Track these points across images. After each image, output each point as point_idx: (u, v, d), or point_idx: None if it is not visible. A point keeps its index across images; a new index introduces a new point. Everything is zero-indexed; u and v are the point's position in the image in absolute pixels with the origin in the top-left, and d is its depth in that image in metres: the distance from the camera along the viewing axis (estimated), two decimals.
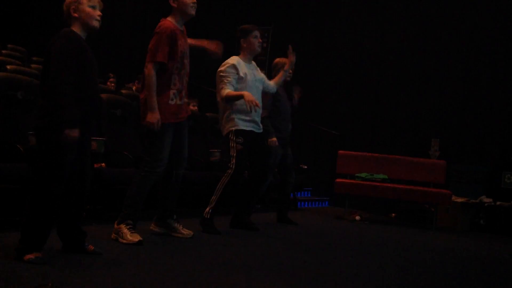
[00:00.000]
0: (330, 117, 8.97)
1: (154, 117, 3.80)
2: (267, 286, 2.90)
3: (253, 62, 4.86)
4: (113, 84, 8.75)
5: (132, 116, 5.66)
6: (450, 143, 8.13)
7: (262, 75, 4.90)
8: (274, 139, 5.21)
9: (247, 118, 4.61)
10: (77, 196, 3.16)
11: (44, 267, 2.79)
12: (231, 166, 4.56)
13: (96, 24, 3.10)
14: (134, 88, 8.17)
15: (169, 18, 3.99)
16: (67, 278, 2.63)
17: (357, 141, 8.70)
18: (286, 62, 5.74)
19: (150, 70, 3.82)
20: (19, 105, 4.44)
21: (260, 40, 4.78)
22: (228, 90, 4.50)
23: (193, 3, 3.99)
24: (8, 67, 5.62)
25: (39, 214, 2.91)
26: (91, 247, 3.23)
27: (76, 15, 3.07)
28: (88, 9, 3.07)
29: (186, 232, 4.16)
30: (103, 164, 4.77)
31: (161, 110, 3.85)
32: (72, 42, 2.98)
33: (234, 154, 4.56)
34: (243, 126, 4.61)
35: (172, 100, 3.91)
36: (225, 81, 4.53)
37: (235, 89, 4.55)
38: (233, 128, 4.60)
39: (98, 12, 3.10)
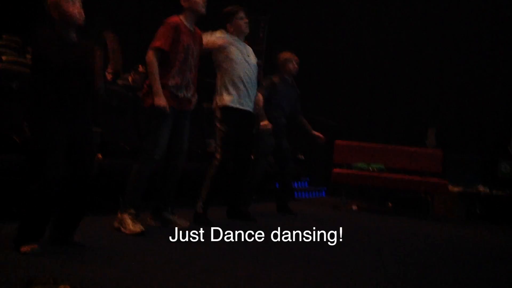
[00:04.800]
0: (327, 107, 8.96)
1: (161, 100, 3.81)
2: (266, 275, 2.91)
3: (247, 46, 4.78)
4: (110, 76, 8.70)
5: (128, 107, 5.64)
6: (446, 132, 8.14)
7: (255, 61, 4.79)
8: (266, 122, 5.11)
9: (237, 91, 4.55)
10: (76, 192, 3.15)
11: (42, 258, 2.79)
12: (217, 157, 4.53)
13: (78, 20, 3.08)
14: (130, 79, 8.12)
15: (180, 16, 4.06)
16: (65, 269, 2.64)
17: (354, 131, 8.70)
18: (290, 58, 5.73)
19: (149, 56, 3.89)
20: (15, 96, 4.43)
21: (247, 20, 4.65)
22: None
23: (203, 2, 4.05)
24: (4, 57, 5.59)
25: (35, 206, 2.91)
26: (77, 238, 3.21)
27: (56, 15, 3.06)
28: (67, 6, 3.04)
29: (182, 223, 4.17)
30: (99, 155, 4.76)
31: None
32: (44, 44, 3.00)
33: (220, 143, 4.54)
34: (231, 101, 4.54)
35: (172, 88, 3.93)
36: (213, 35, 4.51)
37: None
38: (222, 104, 4.54)
39: (78, 7, 3.08)
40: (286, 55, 5.77)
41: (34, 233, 2.92)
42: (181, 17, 4.07)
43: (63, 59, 3.03)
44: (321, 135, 5.95)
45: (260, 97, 4.84)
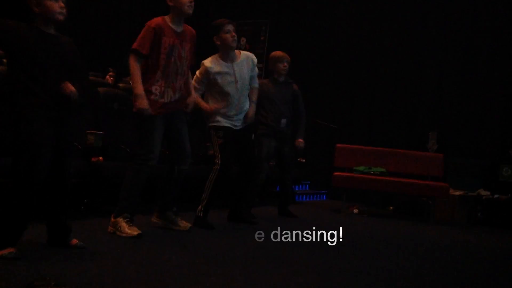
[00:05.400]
0: (328, 111, 8.96)
1: (142, 103, 3.80)
2: (264, 278, 2.91)
3: (242, 55, 4.68)
4: (112, 79, 8.72)
5: (129, 110, 5.64)
6: (447, 136, 8.13)
7: (248, 72, 4.67)
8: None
9: (226, 115, 4.58)
10: (59, 191, 3.12)
11: (43, 261, 2.79)
12: (217, 162, 4.53)
13: (59, 17, 3.05)
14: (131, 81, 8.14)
15: (166, 17, 4.02)
16: (66, 272, 2.63)
17: (355, 134, 8.69)
18: (280, 57, 5.65)
19: (130, 60, 3.88)
20: None
21: (234, 34, 4.50)
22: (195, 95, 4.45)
23: (190, 2, 3.99)
24: (5, 60, 5.60)
25: (12, 210, 2.86)
26: (74, 241, 3.19)
27: (37, 10, 3.02)
28: (49, 3, 3.01)
29: (183, 225, 4.20)
30: (100, 158, 4.77)
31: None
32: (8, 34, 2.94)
33: (218, 149, 4.54)
34: (221, 122, 4.58)
35: (155, 95, 3.92)
36: (195, 86, 4.47)
37: (202, 93, 4.62)
38: (212, 124, 4.59)
39: (61, 4, 3.04)
40: (276, 54, 5.65)
41: (10, 236, 2.87)
42: (166, 17, 4.02)
43: (42, 49, 2.99)
44: (300, 144, 5.80)
45: (251, 111, 4.74)
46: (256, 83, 4.83)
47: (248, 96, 4.75)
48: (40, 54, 2.98)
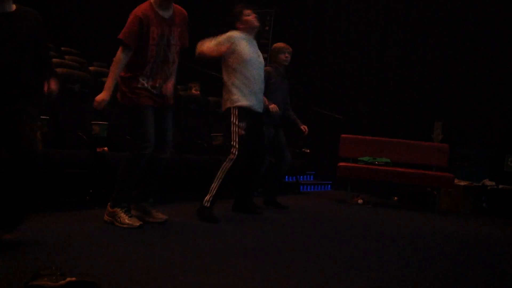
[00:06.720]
0: (333, 101, 8.94)
1: (100, 96, 3.69)
2: (269, 269, 2.92)
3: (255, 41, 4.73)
4: None
5: None
6: (453, 126, 8.11)
7: (262, 60, 4.75)
8: (272, 104, 5.18)
9: (249, 90, 4.50)
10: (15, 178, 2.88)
11: (49, 251, 2.80)
12: (233, 152, 4.39)
13: None
14: None
15: (152, 2, 3.83)
16: (71, 262, 2.65)
17: (360, 124, 8.68)
18: (282, 48, 5.62)
19: (119, 49, 3.75)
20: None
21: (255, 15, 4.62)
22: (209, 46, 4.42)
23: None
24: None
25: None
26: (8, 236, 2.93)
27: None
28: None
29: (159, 216, 4.00)
30: (105, 148, 4.78)
31: (135, 93, 3.79)
32: None
33: (236, 140, 4.41)
34: (245, 101, 4.49)
35: (143, 85, 3.79)
36: (211, 47, 4.43)
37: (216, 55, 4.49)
38: (236, 105, 4.47)
39: None
40: (278, 45, 5.64)
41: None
42: (153, 2, 3.82)
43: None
44: (306, 129, 5.78)
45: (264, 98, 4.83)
46: None
47: None
48: None
